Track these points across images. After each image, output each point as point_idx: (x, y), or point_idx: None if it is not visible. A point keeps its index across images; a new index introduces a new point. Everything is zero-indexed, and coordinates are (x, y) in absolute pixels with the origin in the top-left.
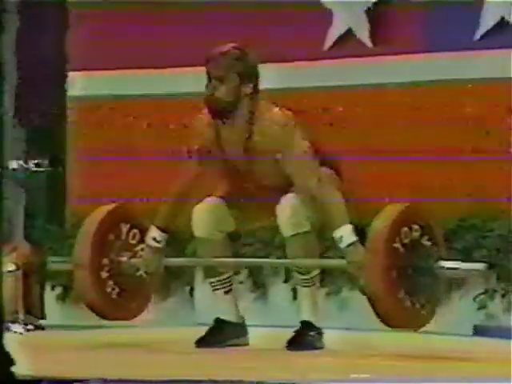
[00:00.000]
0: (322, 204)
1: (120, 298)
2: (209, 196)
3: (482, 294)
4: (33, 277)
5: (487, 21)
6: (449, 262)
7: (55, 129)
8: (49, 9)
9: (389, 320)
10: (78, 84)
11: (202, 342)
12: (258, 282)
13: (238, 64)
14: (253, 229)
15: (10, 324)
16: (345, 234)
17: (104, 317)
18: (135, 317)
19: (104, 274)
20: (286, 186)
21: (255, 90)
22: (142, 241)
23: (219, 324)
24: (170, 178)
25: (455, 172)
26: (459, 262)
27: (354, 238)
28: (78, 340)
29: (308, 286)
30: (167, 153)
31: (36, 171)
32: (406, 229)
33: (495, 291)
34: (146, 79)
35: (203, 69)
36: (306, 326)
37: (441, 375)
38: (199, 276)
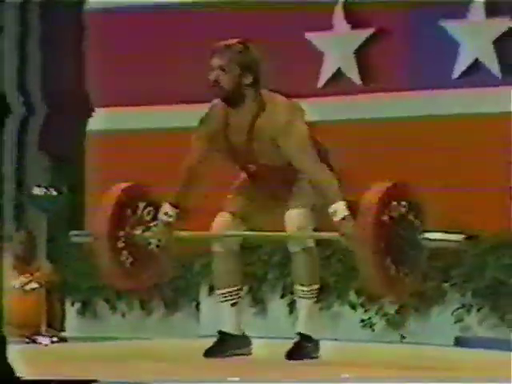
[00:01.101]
0: (317, 183)
1: (133, 268)
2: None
3: (459, 308)
4: (54, 294)
5: (463, 62)
6: (431, 234)
7: (75, 158)
8: (71, 48)
9: (376, 287)
10: (97, 118)
11: (209, 353)
12: (257, 298)
13: (240, 56)
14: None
15: (35, 336)
16: (338, 208)
17: (118, 286)
18: (146, 287)
19: (120, 245)
20: (287, 170)
21: (256, 81)
22: (156, 218)
23: (223, 336)
24: None
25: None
26: (441, 234)
27: (346, 213)
28: (94, 350)
29: (308, 298)
30: None
31: (57, 197)
32: (394, 203)
33: (471, 306)
34: (159, 114)
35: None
36: (304, 337)
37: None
38: (204, 292)
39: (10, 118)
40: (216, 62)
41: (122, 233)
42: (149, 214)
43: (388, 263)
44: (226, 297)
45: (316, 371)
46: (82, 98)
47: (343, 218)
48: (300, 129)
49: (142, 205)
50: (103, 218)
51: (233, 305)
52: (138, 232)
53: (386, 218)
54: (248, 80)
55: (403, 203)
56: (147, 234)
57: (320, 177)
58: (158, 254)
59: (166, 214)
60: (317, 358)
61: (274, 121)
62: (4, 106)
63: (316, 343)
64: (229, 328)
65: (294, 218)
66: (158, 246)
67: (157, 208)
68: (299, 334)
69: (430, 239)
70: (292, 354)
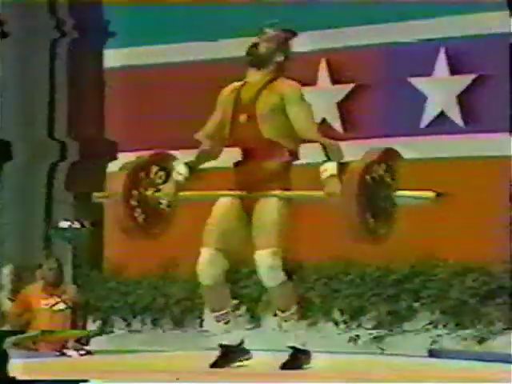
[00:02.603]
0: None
1: (145, 223)
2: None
3: (429, 324)
4: (78, 313)
5: (430, 113)
6: (405, 192)
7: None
8: (94, 101)
9: (357, 236)
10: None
11: (214, 365)
12: (253, 316)
13: (283, 37)
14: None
15: (65, 350)
16: (329, 167)
17: (133, 236)
18: (157, 238)
19: (133, 203)
20: (282, 140)
21: (284, 62)
22: (166, 181)
23: (225, 349)
24: None
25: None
26: (414, 192)
27: (335, 172)
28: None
29: (288, 321)
30: None
31: (80, 229)
32: (376, 166)
33: (439, 322)
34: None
35: None
36: (297, 350)
37: None
38: (207, 311)
39: (42, 162)
40: (266, 31)
41: (135, 192)
42: (160, 177)
43: (368, 217)
44: (218, 318)
45: (308, 379)
46: (106, 145)
47: (332, 176)
48: (307, 103)
49: (154, 169)
50: (119, 179)
51: (225, 323)
52: (149, 192)
53: (368, 178)
54: (280, 57)
55: (383, 166)
56: (158, 194)
57: (322, 141)
58: (167, 211)
59: (178, 172)
60: (308, 368)
61: (284, 90)
62: (7, 151)
63: (308, 354)
64: (228, 341)
65: (264, 261)
66: (168, 206)
67: (168, 173)
68: (291, 347)
69: (404, 196)
70: (286, 365)
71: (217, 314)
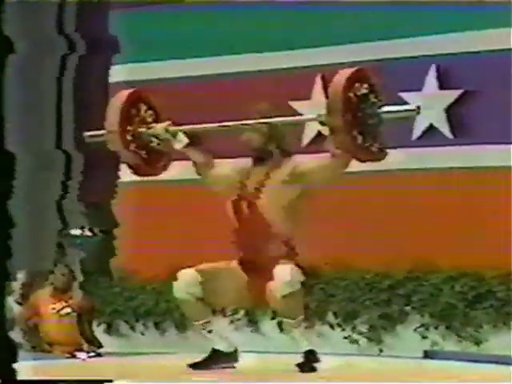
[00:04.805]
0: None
1: (148, 157)
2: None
3: (420, 327)
4: (84, 317)
5: (420, 126)
6: (388, 107)
7: (106, 206)
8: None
9: (348, 151)
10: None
11: (195, 366)
12: (252, 320)
13: (268, 127)
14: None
15: (76, 352)
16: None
17: (138, 171)
18: (162, 172)
19: (129, 138)
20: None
21: (282, 151)
22: (156, 121)
23: (213, 353)
24: None
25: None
26: (396, 106)
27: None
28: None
29: (296, 327)
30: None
31: (90, 237)
32: (357, 84)
33: (429, 325)
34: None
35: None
36: (309, 352)
37: None
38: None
39: (52, 172)
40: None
41: (130, 128)
42: (150, 116)
43: (355, 133)
44: (201, 327)
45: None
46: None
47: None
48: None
49: (144, 107)
50: (114, 116)
51: (209, 332)
52: (142, 129)
53: (351, 95)
54: (272, 147)
55: (365, 85)
56: (150, 131)
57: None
58: (164, 148)
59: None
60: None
61: (295, 161)
62: (11, 162)
63: (316, 355)
64: (221, 347)
65: (284, 273)
66: (158, 144)
67: (156, 112)
68: (305, 351)
69: (388, 111)
70: (303, 366)
71: (197, 323)
